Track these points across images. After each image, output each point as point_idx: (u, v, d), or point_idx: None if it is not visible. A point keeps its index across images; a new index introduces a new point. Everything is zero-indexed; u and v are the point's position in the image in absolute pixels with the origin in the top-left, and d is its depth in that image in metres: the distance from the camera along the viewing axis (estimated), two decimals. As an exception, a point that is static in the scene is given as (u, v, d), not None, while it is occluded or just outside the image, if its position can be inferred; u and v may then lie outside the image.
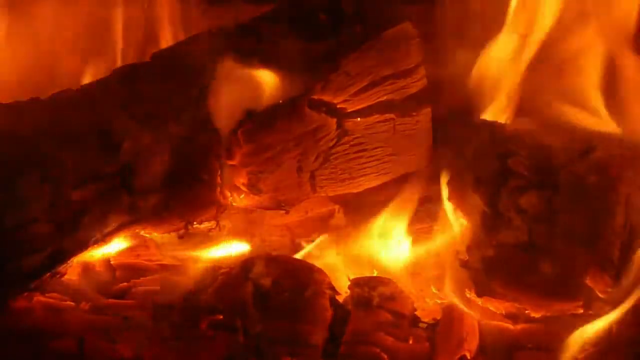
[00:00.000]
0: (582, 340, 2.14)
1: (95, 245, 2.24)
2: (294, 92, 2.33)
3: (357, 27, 2.42)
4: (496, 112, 2.51)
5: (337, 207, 2.57)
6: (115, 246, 2.38)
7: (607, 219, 2.20)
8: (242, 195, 2.35)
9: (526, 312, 2.26)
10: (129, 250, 2.46)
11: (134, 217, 2.24)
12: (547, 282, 2.20)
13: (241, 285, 2.22)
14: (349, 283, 2.30)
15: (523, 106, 2.54)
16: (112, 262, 2.45)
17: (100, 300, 2.31)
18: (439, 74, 2.52)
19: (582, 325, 2.17)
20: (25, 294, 2.23)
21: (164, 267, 2.45)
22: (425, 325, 2.26)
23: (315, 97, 2.35)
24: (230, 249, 2.50)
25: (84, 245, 2.22)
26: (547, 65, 2.56)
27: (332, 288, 2.27)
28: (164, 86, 2.31)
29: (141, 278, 2.40)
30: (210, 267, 2.35)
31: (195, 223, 2.34)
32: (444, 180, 2.40)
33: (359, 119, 2.41)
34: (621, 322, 2.15)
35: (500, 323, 2.26)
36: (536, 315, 2.25)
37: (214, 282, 2.27)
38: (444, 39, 2.60)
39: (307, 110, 2.34)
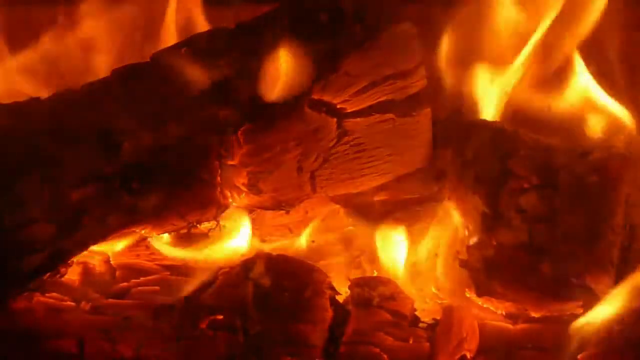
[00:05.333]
0: (581, 340, 2.15)
1: (95, 245, 2.24)
2: (294, 92, 2.33)
3: (357, 27, 2.42)
4: (496, 112, 2.51)
5: (337, 207, 2.57)
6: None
7: (607, 219, 2.20)
8: (242, 195, 2.35)
9: (526, 312, 2.26)
10: (129, 250, 2.46)
11: (134, 217, 2.24)
12: (547, 282, 2.20)
13: (241, 285, 2.22)
14: (349, 283, 2.30)
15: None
16: (112, 262, 2.45)
17: (100, 300, 2.31)
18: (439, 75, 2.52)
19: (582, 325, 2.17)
20: (25, 294, 2.23)
21: (164, 267, 2.45)
22: (425, 325, 2.26)
23: (315, 97, 2.35)
24: (231, 248, 2.50)
25: (84, 245, 2.22)
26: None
27: (332, 288, 2.27)
28: (164, 86, 2.31)
29: (141, 278, 2.40)
30: (210, 267, 2.35)
31: (195, 223, 2.34)
32: (444, 180, 2.40)
33: (359, 119, 2.41)
34: (621, 322, 2.16)
35: (500, 323, 2.26)
36: (536, 315, 2.25)
37: (214, 282, 2.27)
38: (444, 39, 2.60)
39: (307, 110, 2.34)
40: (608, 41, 2.58)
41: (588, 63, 2.54)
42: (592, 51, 2.56)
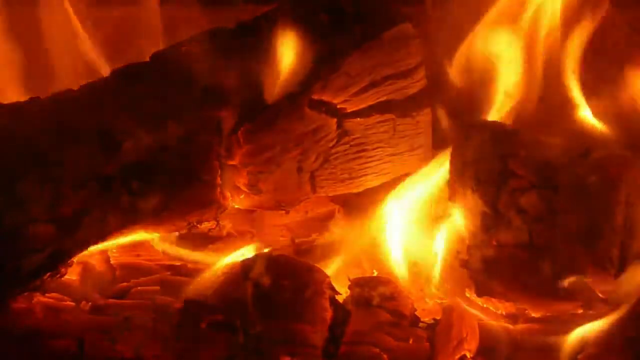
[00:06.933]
0: (581, 340, 2.15)
1: (95, 245, 2.24)
2: (294, 92, 2.33)
3: (357, 27, 2.42)
4: (496, 111, 2.51)
5: (337, 207, 2.57)
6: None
7: (607, 219, 2.19)
8: (242, 195, 2.35)
9: (526, 312, 2.26)
10: (129, 250, 2.46)
11: (134, 217, 2.24)
12: (547, 282, 2.20)
13: (241, 285, 2.22)
14: (349, 283, 2.30)
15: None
16: (112, 262, 2.45)
17: (100, 300, 2.31)
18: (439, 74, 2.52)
19: (582, 325, 2.17)
20: (25, 294, 2.23)
21: (164, 267, 2.45)
22: (425, 325, 2.26)
23: (315, 97, 2.35)
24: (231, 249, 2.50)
25: (84, 245, 2.22)
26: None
27: (332, 288, 2.27)
28: (164, 86, 2.31)
29: (141, 278, 2.40)
30: (211, 267, 2.35)
31: (195, 223, 2.34)
32: (444, 180, 2.40)
33: (359, 119, 2.41)
34: (621, 322, 2.16)
35: (500, 323, 2.26)
36: (536, 315, 2.26)
37: (214, 282, 2.27)
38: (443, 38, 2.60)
39: (307, 110, 2.34)
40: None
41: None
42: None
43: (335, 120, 2.38)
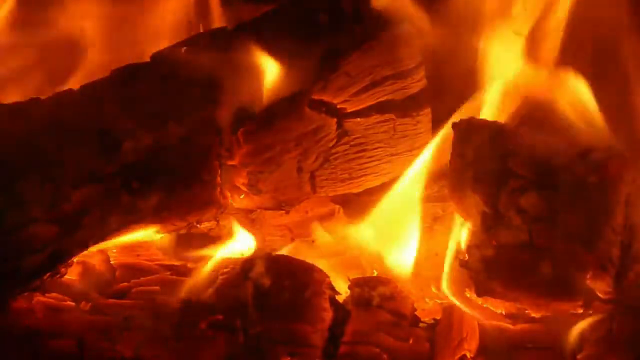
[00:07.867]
0: (581, 339, 2.15)
1: (95, 245, 2.24)
2: (294, 92, 2.33)
3: (357, 27, 2.42)
4: (496, 112, 2.51)
5: (337, 207, 2.57)
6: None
7: (607, 219, 2.19)
8: (242, 195, 2.35)
9: (526, 312, 2.26)
10: (129, 250, 2.46)
11: (134, 217, 2.24)
12: (547, 282, 2.20)
13: (241, 285, 2.22)
14: (349, 283, 2.30)
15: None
16: (112, 262, 2.45)
17: (100, 300, 2.31)
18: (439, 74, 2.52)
19: (581, 325, 2.17)
20: (25, 294, 2.23)
21: (164, 267, 2.45)
22: (425, 325, 2.26)
23: (315, 97, 2.35)
24: (231, 249, 2.50)
25: (84, 245, 2.22)
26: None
27: (332, 288, 2.27)
28: (164, 86, 2.32)
29: (141, 278, 2.40)
30: (210, 267, 2.35)
31: (195, 223, 2.34)
32: (444, 180, 2.40)
33: (359, 119, 2.41)
34: (621, 322, 2.16)
35: (500, 323, 2.26)
36: (536, 315, 2.25)
37: (214, 282, 2.27)
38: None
39: (307, 111, 2.34)
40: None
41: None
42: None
43: (335, 120, 2.38)
